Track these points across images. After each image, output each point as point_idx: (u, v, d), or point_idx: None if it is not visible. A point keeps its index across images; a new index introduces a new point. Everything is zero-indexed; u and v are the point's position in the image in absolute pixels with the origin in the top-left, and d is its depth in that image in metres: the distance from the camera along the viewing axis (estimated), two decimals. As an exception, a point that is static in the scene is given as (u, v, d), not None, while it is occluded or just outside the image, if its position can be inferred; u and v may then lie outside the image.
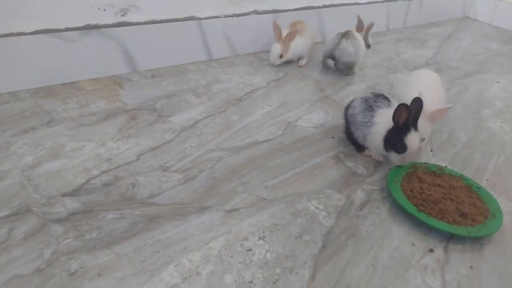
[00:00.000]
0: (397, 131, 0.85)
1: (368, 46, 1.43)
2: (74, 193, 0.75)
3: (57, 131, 0.91)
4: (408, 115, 0.82)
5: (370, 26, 1.39)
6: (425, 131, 0.92)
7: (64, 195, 0.74)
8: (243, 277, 0.62)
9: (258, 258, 0.66)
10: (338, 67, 1.38)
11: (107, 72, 1.17)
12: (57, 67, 1.08)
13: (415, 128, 0.85)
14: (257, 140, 0.97)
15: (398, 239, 0.73)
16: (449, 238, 0.75)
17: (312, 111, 1.13)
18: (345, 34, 1.34)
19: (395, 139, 0.85)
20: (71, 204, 0.72)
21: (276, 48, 1.33)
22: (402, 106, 0.82)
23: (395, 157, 0.87)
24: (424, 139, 0.94)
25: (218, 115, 1.05)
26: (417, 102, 0.85)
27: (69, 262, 0.62)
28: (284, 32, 1.33)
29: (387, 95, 0.94)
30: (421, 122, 0.88)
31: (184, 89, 1.16)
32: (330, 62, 1.40)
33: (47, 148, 0.85)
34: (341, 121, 1.08)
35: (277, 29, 1.31)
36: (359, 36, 1.37)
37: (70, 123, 0.94)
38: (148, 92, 1.12)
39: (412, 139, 0.84)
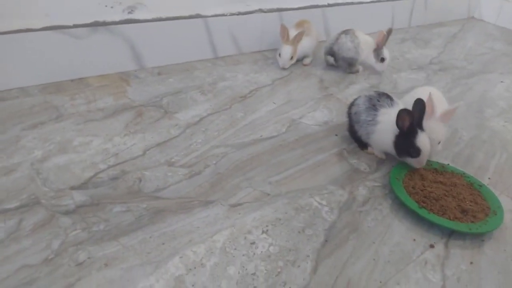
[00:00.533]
0: (405, 136, 0.85)
1: (381, 59, 1.38)
2: (82, 186, 0.76)
3: (65, 126, 0.93)
4: (411, 119, 0.83)
5: (383, 38, 1.34)
6: (441, 133, 0.90)
7: (72, 188, 0.76)
8: (246, 269, 0.64)
9: (261, 251, 0.67)
10: (339, 63, 1.39)
11: (114, 69, 1.19)
12: (65, 63, 1.10)
13: (421, 129, 0.85)
14: (262, 137, 0.98)
15: (399, 235, 0.74)
16: (450, 234, 0.76)
17: (316, 109, 1.14)
18: (345, 31, 1.36)
19: (406, 144, 0.85)
20: (79, 197, 0.74)
21: (287, 51, 1.33)
22: (403, 112, 0.83)
23: (411, 161, 0.87)
24: (440, 142, 0.91)
25: (223, 112, 1.07)
26: (419, 104, 0.85)
27: (77, 252, 0.63)
28: (291, 32, 1.33)
29: (390, 94, 0.95)
30: (435, 124, 0.89)
31: (190, 86, 1.18)
32: (331, 59, 1.41)
33: (56, 142, 0.87)
34: (344, 119, 1.09)
35: (285, 30, 1.31)
36: (363, 36, 1.37)
37: (78, 118, 0.96)
38: (154, 89, 1.14)
39: (422, 141, 0.84)
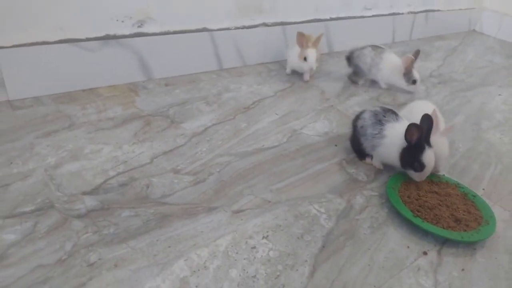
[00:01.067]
0: (411, 149, 0.88)
1: (413, 81, 1.39)
2: (93, 192, 0.81)
3: (77, 135, 0.98)
4: (420, 134, 0.86)
5: (411, 62, 1.35)
6: (445, 147, 0.93)
7: (84, 193, 0.80)
8: (247, 272, 0.67)
9: (262, 255, 0.71)
10: (350, 66, 1.47)
11: (124, 80, 1.24)
12: (77, 75, 1.16)
13: (429, 145, 0.88)
14: (264, 146, 1.03)
15: (394, 242, 0.78)
16: (443, 242, 0.79)
17: (316, 120, 1.18)
18: (375, 46, 1.42)
19: (412, 158, 0.88)
20: (90, 202, 0.78)
21: (313, 53, 1.35)
22: (412, 126, 0.86)
23: (413, 174, 0.90)
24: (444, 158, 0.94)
25: (227, 122, 1.11)
26: (427, 120, 0.88)
27: (88, 254, 0.67)
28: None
29: (395, 110, 0.97)
30: (440, 139, 0.92)
31: (195, 97, 1.23)
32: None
33: (68, 150, 0.92)
34: (344, 130, 1.13)
35: (303, 37, 1.33)
36: (390, 59, 1.40)
37: (89, 127, 1.01)
38: (161, 100, 1.18)
39: (428, 157, 0.87)
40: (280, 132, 1.10)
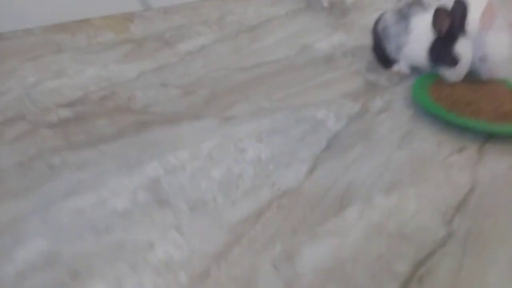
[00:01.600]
0: (442, 41, 0.72)
1: None
2: (69, 104, 0.72)
3: (64, 58, 0.90)
4: (451, 21, 0.70)
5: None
6: (504, 46, 0.73)
7: (59, 106, 0.72)
8: (231, 172, 0.56)
9: (251, 157, 0.59)
10: None
11: (119, 10, 1.15)
12: (69, 5, 1.08)
13: (464, 33, 0.71)
14: (268, 60, 0.90)
15: (420, 141, 0.63)
16: (485, 138, 0.62)
17: (332, 34, 1.03)
18: None
19: (443, 50, 0.72)
20: (64, 113, 0.70)
21: None
22: (440, 11, 0.70)
23: (447, 73, 0.73)
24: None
25: (228, 41, 0.99)
26: (460, 5, 0.71)
27: (52, 157, 0.59)
28: None
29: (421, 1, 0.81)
30: (497, 36, 0.73)
31: (195, 21, 1.11)
32: None
33: (52, 70, 0.84)
34: (365, 41, 0.97)
35: None
36: None
37: (77, 51, 0.93)
38: (158, 25, 1.08)
39: (463, 47, 0.70)
40: (288, 47, 0.96)
